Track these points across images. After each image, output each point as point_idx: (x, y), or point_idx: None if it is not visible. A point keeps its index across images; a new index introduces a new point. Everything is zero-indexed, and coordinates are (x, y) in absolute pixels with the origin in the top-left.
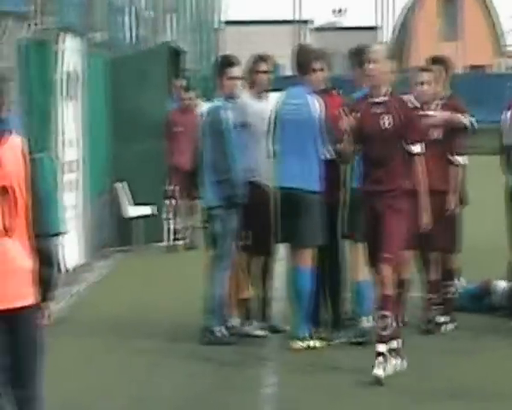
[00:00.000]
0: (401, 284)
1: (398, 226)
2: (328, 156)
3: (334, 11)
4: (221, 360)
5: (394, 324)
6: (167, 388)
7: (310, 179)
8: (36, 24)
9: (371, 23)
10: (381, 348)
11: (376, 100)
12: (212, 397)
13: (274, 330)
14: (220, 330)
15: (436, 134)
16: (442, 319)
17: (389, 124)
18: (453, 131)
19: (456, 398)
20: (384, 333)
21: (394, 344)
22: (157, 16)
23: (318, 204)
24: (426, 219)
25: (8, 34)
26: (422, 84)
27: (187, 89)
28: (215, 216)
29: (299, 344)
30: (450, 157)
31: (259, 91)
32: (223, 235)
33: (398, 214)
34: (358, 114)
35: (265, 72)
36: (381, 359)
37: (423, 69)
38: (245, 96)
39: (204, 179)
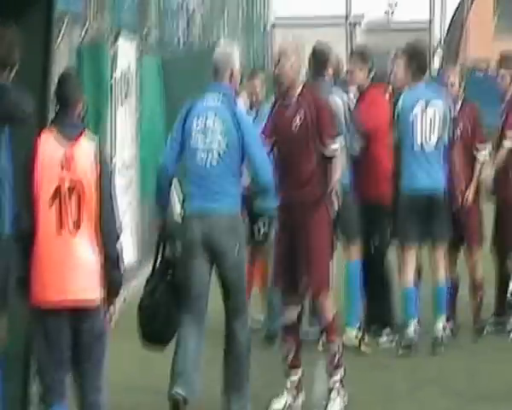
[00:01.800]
0: (475, 286)
1: (320, 245)
2: (354, 153)
3: (389, 5)
4: (270, 361)
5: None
6: (217, 388)
7: None
8: (88, 26)
9: (423, 19)
10: (335, 379)
11: (288, 101)
12: (262, 396)
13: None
14: None
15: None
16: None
17: (300, 124)
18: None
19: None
20: (334, 364)
21: (338, 375)
22: (207, 17)
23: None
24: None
25: (64, 35)
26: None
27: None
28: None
29: (352, 334)
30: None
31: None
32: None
33: (317, 230)
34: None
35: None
36: (333, 394)
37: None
38: None
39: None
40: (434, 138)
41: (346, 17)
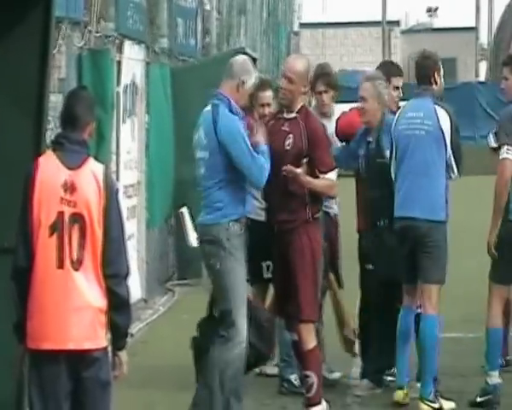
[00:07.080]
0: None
1: (306, 271)
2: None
3: (429, 10)
4: None
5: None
6: None
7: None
8: (90, 33)
9: (468, 23)
10: None
11: (286, 116)
12: None
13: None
14: (297, 379)
15: None
16: None
17: (289, 145)
18: None
19: None
20: (310, 395)
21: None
22: (225, 20)
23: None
24: None
25: (63, 43)
26: None
27: None
28: None
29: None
30: None
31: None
32: None
33: (303, 255)
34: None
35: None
36: None
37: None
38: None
39: None
40: None
41: (383, 17)
